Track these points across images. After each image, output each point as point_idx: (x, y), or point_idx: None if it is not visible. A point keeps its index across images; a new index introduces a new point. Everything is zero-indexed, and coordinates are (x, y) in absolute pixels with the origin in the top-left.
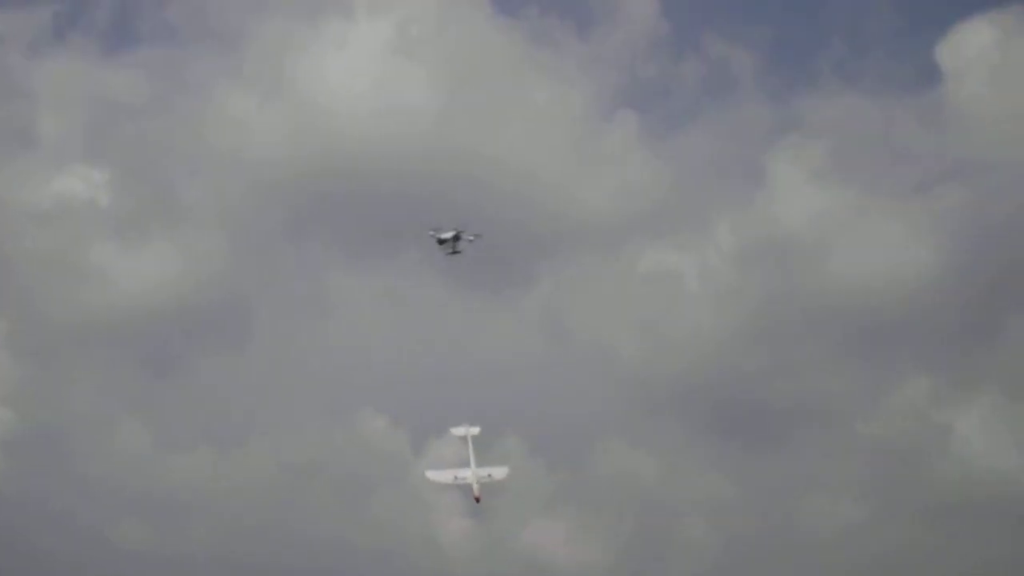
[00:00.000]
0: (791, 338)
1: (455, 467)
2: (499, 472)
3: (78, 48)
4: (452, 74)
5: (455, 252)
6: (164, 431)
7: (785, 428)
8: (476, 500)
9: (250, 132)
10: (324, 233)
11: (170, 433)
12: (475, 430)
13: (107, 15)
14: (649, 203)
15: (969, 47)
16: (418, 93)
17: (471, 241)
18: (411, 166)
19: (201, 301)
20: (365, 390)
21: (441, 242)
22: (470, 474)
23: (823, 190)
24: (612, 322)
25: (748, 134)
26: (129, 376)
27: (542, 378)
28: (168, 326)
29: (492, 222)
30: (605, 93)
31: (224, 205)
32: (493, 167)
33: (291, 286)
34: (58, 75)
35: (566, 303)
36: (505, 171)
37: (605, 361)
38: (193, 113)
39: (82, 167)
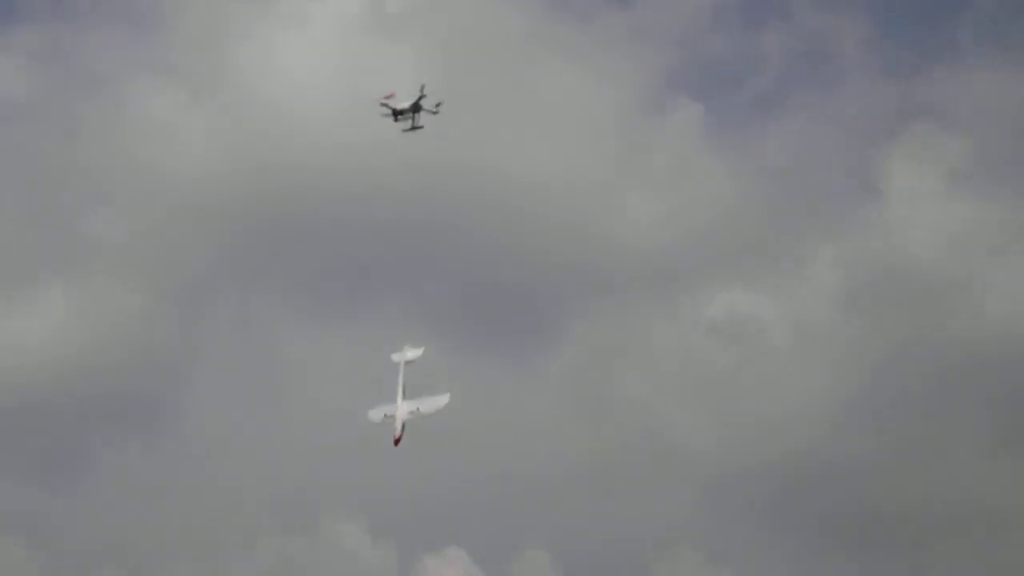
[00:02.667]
0: (922, 413)
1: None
2: (433, 403)
3: None
4: (445, 60)
5: (415, 128)
6: (55, 558)
7: (914, 542)
8: (395, 442)
9: (174, 141)
10: (274, 276)
11: (63, 561)
12: (416, 352)
13: None
14: (717, 227)
15: None
16: (399, 87)
17: (435, 113)
18: (391, 184)
19: (108, 371)
20: (334, 491)
21: (397, 115)
22: (398, 410)
23: (962, 202)
24: (671, 392)
25: (855, 129)
26: (8, 482)
27: (579, 471)
28: (63, 408)
29: (502, 256)
30: (654, 78)
31: (140, 240)
32: (502, 183)
33: (230, 348)
34: None
35: (607, 367)
36: (518, 187)
37: (664, 447)
38: (96, 115)
39: None
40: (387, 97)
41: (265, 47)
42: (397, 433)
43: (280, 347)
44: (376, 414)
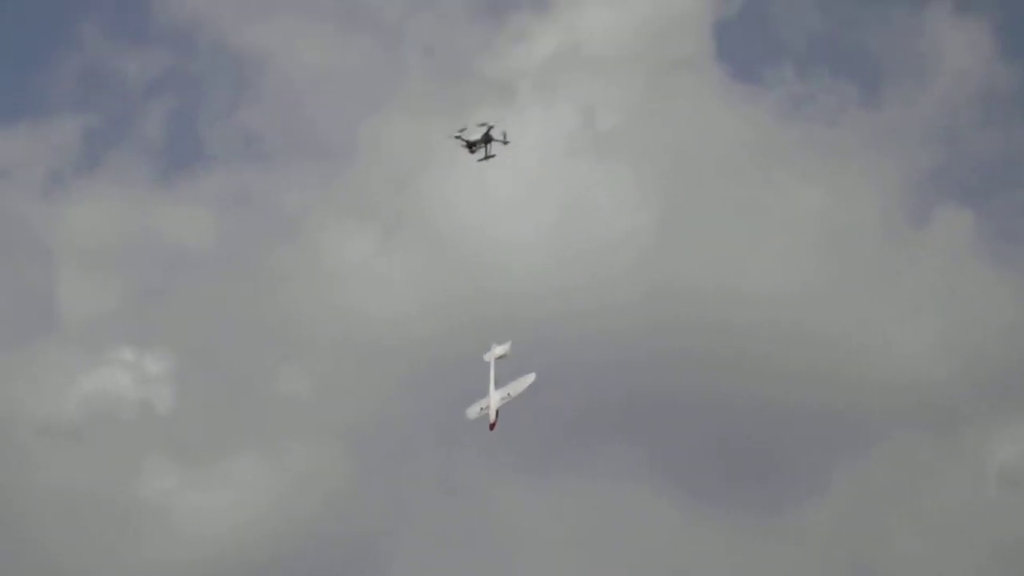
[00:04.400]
0: None
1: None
2: (520, 384)
3: (118, 177)
4: (666, 177)
5: (488, 157)
6: None
7: None
8: (491, 427)
9: (370, 289)
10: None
11: None
12: (504, 348)
13: (159, 126)
14: (1000, 353)
15: None
16: (616, 210)
17: (505, 143)
18: (609, 316)
19: (306, 543)
20: None
21: (471, 147)
22: (491, 400)
23: None
24: (956, 559)
25: None
26: None
27: None
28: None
29: (740, 395)
30: (912, 183)
31: (337, 400)
32: (736, 312)
33: (442, 511)
34: (88, 218)
35: (873, 526)
36: (755, 317)
37: None
38: (284, 263)
39: (124, 353)
40: (460, 131)
41: (466, 176)
42: (492, 419)
43: (492, 507)
44: (473, 411)
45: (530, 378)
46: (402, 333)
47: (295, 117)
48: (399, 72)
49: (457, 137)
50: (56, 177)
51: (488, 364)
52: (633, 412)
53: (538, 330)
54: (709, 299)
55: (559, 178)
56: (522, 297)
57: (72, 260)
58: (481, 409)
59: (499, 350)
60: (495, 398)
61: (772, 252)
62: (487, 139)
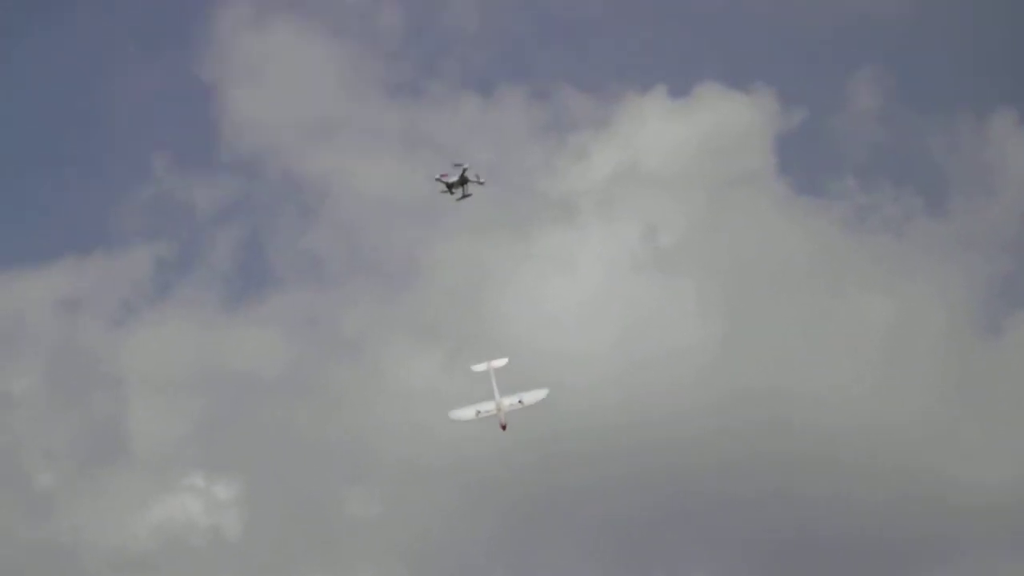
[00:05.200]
0: None
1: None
2: (533, 396)
3: (187, 304)
4: (729, 291)
5: (465, 196)
6: None
7: None
8: (502, 428)
9: (435, 408)
10: (553, 548)
11: None
12: (500, 362)
13: (227, 253)
14: None
15: None
16: (680, 324)
17: (481, 183)
18: (678, 428)
19: None
20: None
21: (450, 188)
22: (494, 405)
23: None
24: None
25: None
26: None
27: None
28: None
29: (828, 517)
30: (981, 292)
31: (405, 521)
32: (806, 427)
33: None
34: (158, 345)
35: None
36: (826, 432)
37: None
38: (350, 385)
39: (195, 480)
40: (442, 176)
41: (529, 295)
42: (503, 421)
43: None
44: (465, 413)
45: (543, 392)
46: (468, 452)
47: (359, 240)
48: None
49: (437, 180)
50: (128, 306)
51: (488, 373)
52: (704, 515)
53: (606, 440)
54: (773, 412)
55: (622, 294)
56: (588, 409)
57: (142, 387)
58: (479, 412)
59: (497, 362)
60: (504, 403)
61: (840, 363)
62: (463, 180)
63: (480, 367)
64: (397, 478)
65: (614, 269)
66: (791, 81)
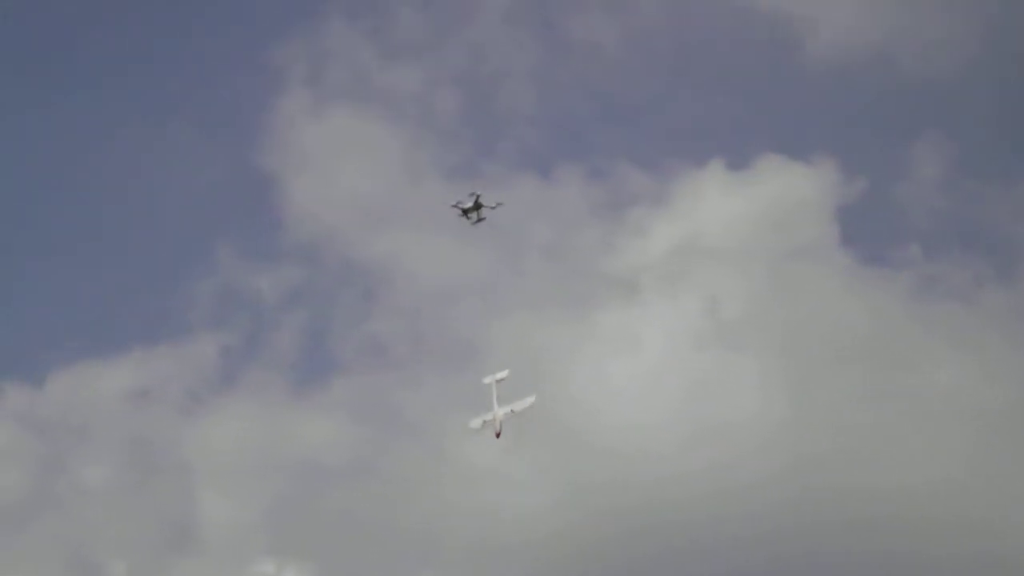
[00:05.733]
0: None
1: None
2: (522, 404)
3: (253, 391)
4: (797, 364)
5: (480, 220)
6: None
7: None
8: (496, 436)
9: (501, 488)
10: None
11: None
12: (503, 374)
13: (292, 340)
14: None
15: None
16: (744, 397)
17: (494, 208)
18: (746, 501)
19: None
20: None
21: (466, 214)
22: (492, 415)
23: None
24: None
25: None
26: None
27: None
28: None
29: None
30: None
31: None
32: (879, 507)
33: None
34: (225, 433)
35: None
36: (900, 512)
37: None
38: (417, 468)
39: (266, 567)
40: (457, 203)
41: (591, 373)
42: (498, 428)
43: None
44: (476, 423)
45: (531, 399)
46: (537, 530)
47: (420, 322)
48: (519, 274)
49: (454, 207)
50: (195, 394)
51: (490, 386)
52: None
53: (674, 512)
54: (842, 492)
55: (685, 369)
56: (654, 483)
57: (211, 475)
58: (484, 421)
59: (499, 375)
60: (499, 413)
61: (910, 436)
62: (478, 205)
63: (488, 379)
64: (468, 559)
65: (677, 345)
66: (851, 150)
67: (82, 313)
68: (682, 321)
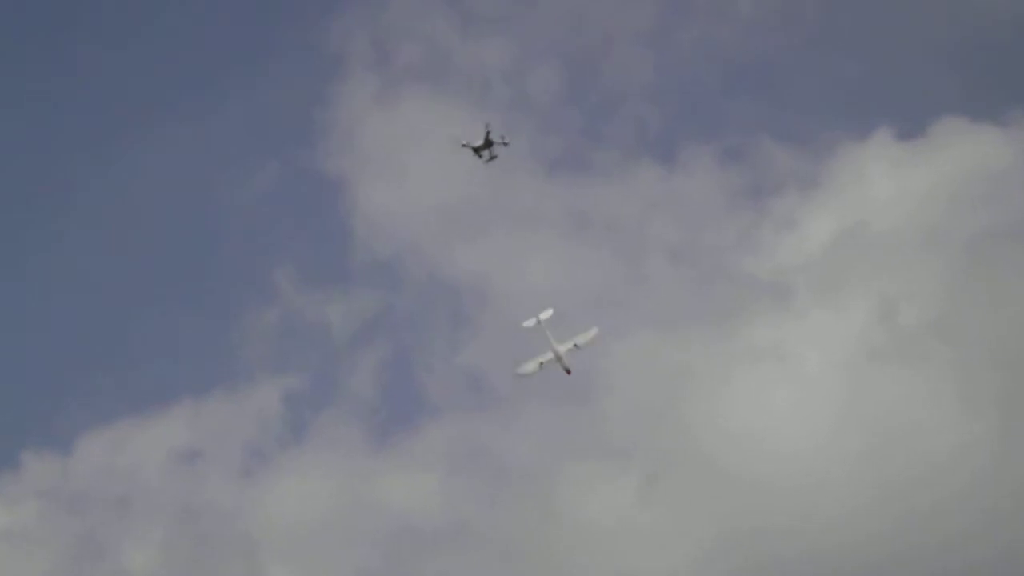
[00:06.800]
0: None
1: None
2: (585, 337)
3: (326, 444)
4: (1003, 376)
5: (492, 158)
6: None
7: None
8: (567, 372)
9: (634, 542)
10: None
11: None
12: (547, 313)
13: (368, 379)
14: None
15: None
16: (938, 425)
17: (506, 144)
18: (945, 559)
19: None
20: None
21: (477, 152)
22: (551, 353)
23: None
24: None
25: None
26: None
27: None
28: None
29: None
30: None
31: None
32: None
33: None
34: (294, 495)
35: None
36: None
37: None
38: (529, 526)
39: None
40: (465, 144)
41: (739, 401)
42: (566, 365)
43: None
44: (529, 366)
45: (594, 331)
46: None
47: (524, 350)
48: (642, 284)
49: (464, 146)
50: (256, 452)
51: (540, 326)
52: None
53: (852, 566)
54: None
55: (860, 394)
56: (840, 546)
57: (278, 550)
58: (542, 363)
59: (543, 314)
60: (561, 349)
61: None
62: (488, 143)
63: (529, 322)
64: None
65: (846, 363)
66: None
67: (114, 360)
68: (851, 333)
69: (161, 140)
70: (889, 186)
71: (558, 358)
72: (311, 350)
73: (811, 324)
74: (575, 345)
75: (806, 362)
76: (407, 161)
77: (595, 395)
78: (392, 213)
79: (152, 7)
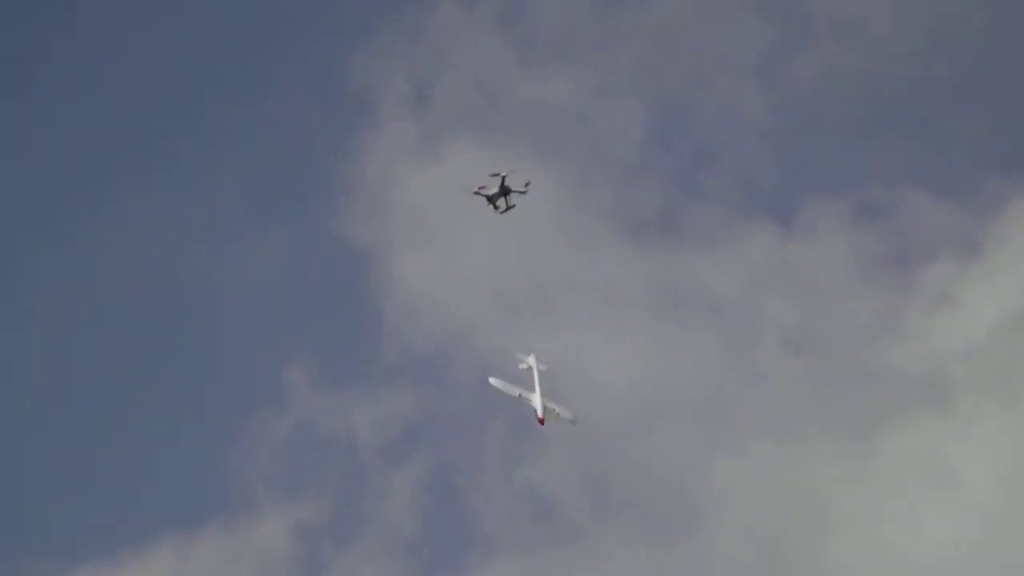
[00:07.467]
0: None
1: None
2: (566, 412)
3: None
4: None
5: (509, 208)
6: None
7: None
8: (540, 422)
9: None
10: None
11: None
12: (543, 366)
13: (405, 506)
14: None
15: None
16: None
17: (524, 192)
18: None
19: None
20: None
21: (492, 202)
22: (536, 397)
23: None
24: None
25: None
26: None
27: None
28: None
29: None
30: None
31: None
32: None
33: None
34: None
35: None
36: None
37: None
38: None
39: None
40: (480, 188)
41: (886, 530)
42: (540, 414)
43: None
44: (506, 387)
45: (569, 415)
46: None
47: (606, 463)
48: (754, 379)
49: (476, 194)
50: None
51: (531, 370)
52: None
53: None
54: None
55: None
56: None
57: None
58: (521, 395)
59: (531, 360)
60: (541, 401)
61: None
62: (505, 191)
63: (524, 366)
64: None
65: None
66: None
67: (78, 488)
68: None
69: (136, 203)
70: None
71: (543, 407)
72: (330, 469)
73: (977, 431)
74: (556, 411)
75: (972, 481)
76: (451, 227)
77: (701, 525)
78: (433, 293)
79: (139, 39)
